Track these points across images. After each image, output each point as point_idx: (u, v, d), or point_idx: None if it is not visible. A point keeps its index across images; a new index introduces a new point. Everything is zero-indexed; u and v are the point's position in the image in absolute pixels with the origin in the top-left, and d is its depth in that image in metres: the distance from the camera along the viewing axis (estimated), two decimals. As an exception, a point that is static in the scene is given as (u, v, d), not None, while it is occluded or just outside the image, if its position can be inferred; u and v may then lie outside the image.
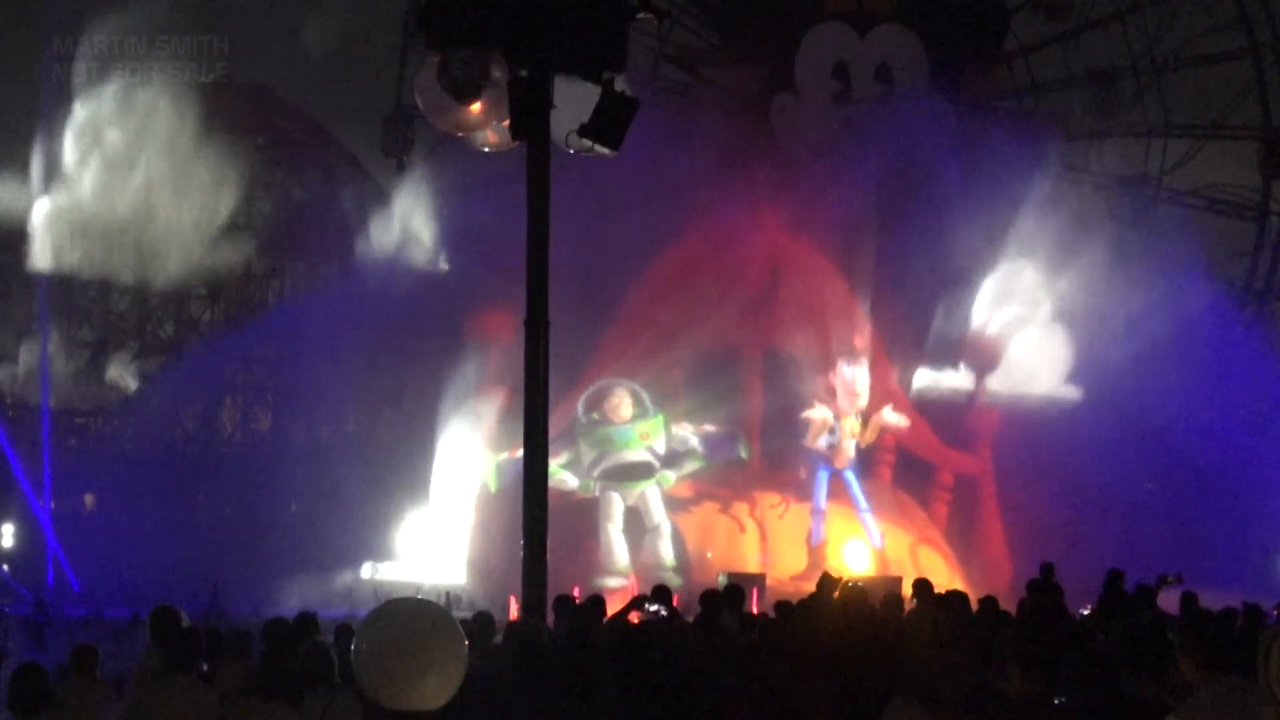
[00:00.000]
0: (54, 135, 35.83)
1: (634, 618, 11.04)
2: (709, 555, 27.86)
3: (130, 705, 8.57)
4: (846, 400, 28.56)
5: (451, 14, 11.39)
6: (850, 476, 28.51)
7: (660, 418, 28.88)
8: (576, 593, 15.77)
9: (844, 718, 8.77)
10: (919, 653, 9.45)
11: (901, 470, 30.32)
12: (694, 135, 30.64)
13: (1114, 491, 28.96)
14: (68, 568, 30.26)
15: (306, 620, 10.27)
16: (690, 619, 11.97)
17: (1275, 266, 36.00)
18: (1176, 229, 34.63)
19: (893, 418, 28.91)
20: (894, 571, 25.27)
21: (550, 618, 11.57)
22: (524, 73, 11.26)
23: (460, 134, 12.46)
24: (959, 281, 29.91)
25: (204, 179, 42.81)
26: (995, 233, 29.40)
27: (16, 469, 33.17)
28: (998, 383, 29.75)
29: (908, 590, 14.04)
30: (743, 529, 28.54)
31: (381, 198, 36.82)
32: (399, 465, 31.38)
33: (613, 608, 12.25)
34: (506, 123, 11.47)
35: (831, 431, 28.56)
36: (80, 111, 35.20)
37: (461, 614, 15.63)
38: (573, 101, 11.24)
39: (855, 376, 28.55)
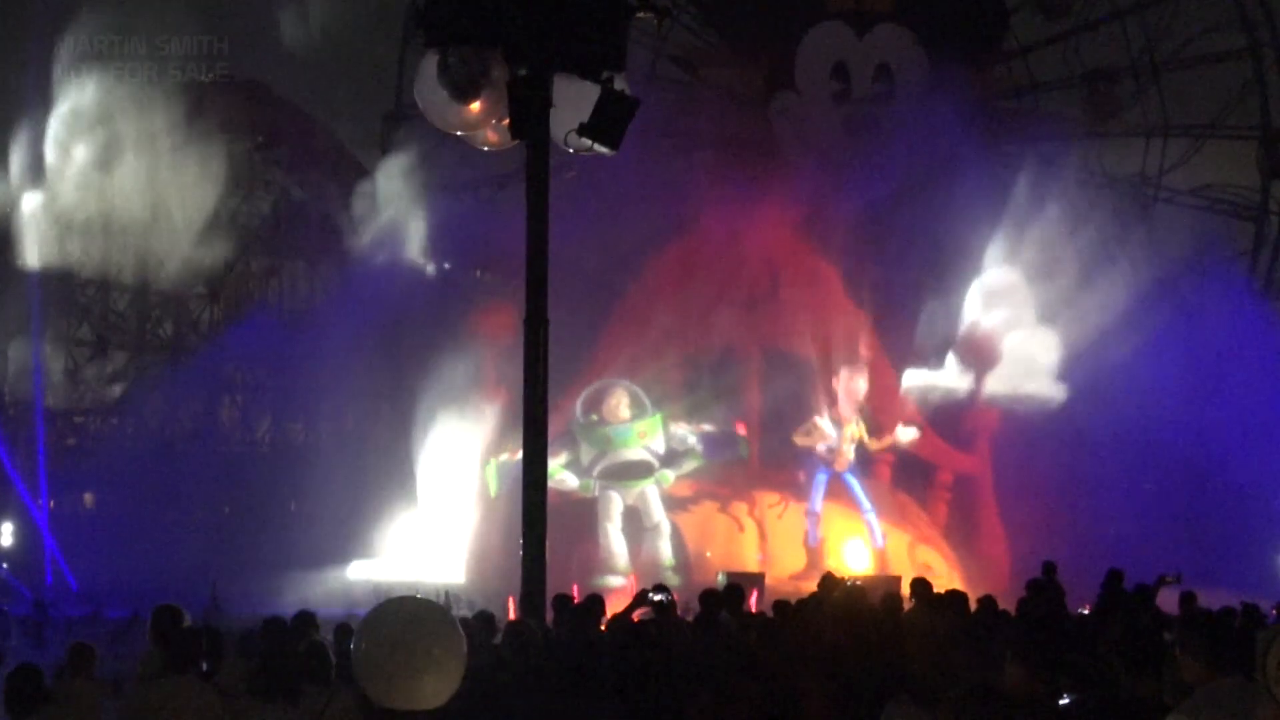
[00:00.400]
0: (45, 132, 35.76)
1: (638, 616, 11.03)
2: (708, 555, 27.86)
3: (130, 704, 8.56)
4: (848, 405, 28.56)
5: (451, 13, 11.39)
6: (850, 479, 28.50)
7: (658, 417, 28.87)
8: (576, 592, 15.77)
9: (843, 717, 8.76)
10: (918, 652, 9.46)
11: (901, 470, 30.32)
12: (693, 135, 30.66)
13: (1113, 491, 28.96)
14: (65, 567, 30.24)
15: (304, 619, 10.27)
16: (690, 618, 11.96)
17: (1274, 266, 36.01)
18: (1175, 228, 34.66)
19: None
20: (893, 571, 25.27)
21: (549, 617, 11.57)
22: (523, 72, 11.26)
23: (460, 133, 12.46)
24: (957, 281, 29.89)
25: (202, 177, 42.86)
26: (993, 232, 29.38)
27: (10, 468, 33.11)
28: (996, 382, 29.74)
29: (906, 590, 14.03)
30: (742, 528, 28.55)
31: (380, 196, 36.80)
32: (398, 464, 31.36)
33: (612, 607, 12.25)
34: (506, 122, 11.47)
35: (829, 435, 28.58)
36: (77, 108, 35.15)
37: (460, 613, 15.62)
38: (572, 101, 11.24)
39: (856, 382, 28.53)
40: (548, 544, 12.02)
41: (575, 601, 12.11)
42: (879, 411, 29.83)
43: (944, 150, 30.55)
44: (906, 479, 30.31)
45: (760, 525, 28.61)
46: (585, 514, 28.00)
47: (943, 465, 30.08)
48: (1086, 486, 28.40)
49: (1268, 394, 29.40)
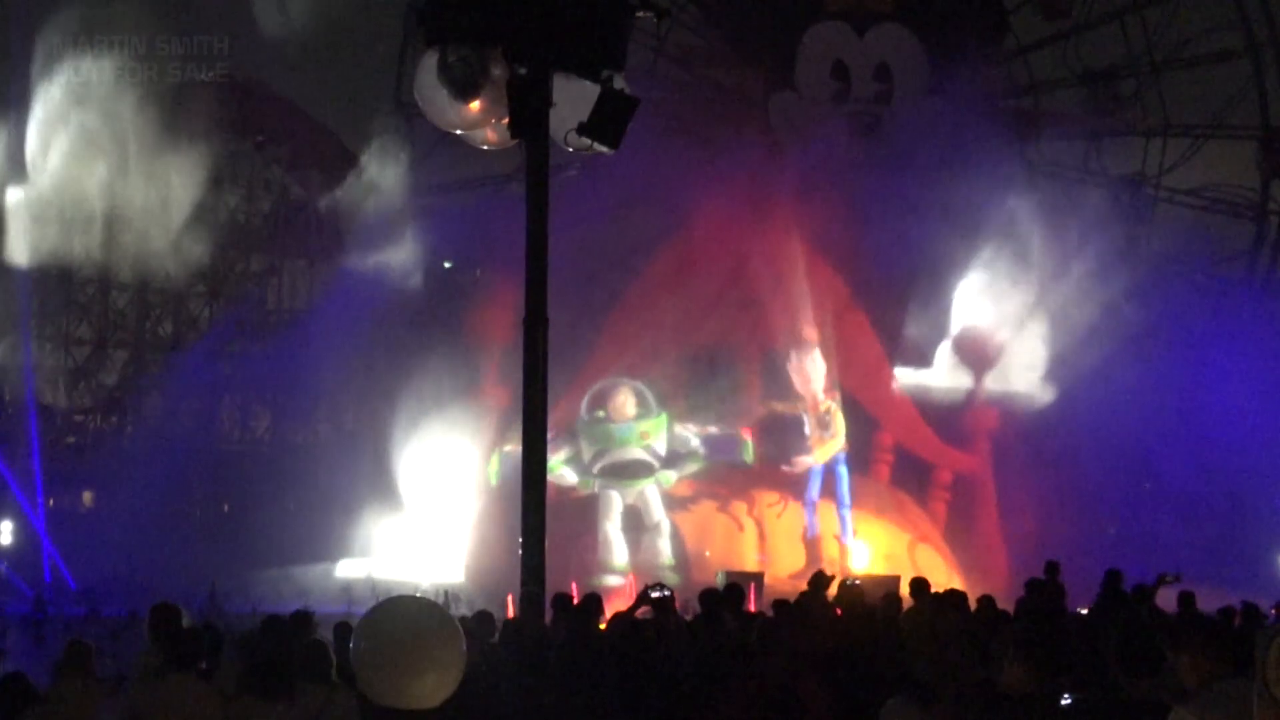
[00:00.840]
0: (40, 129, 35.73)
1: (640, 614, 11.04)
2: (707, 554, 27.85)
3: (130, 703, 8.56)
4: (805, 389, 28.54)
5: (451, 11, 11.38)
6: (842, 471, 28.50)
7: (663, 417, 28.86)
8: (575, 590, 15.77)
9: (842, 716, 8.77)
10: (917, 651, 9.46)
11: (900, 469, 30.33)
12: (693, 133, 30.67)
13: (1112, 491, 28.97)
14: (63, 566, 30.23)
15: (303, 618, 10.27)
16: (689, 617, 11.96)
17: (1273, 265, 36.03)
18: (1175, 228, 34.67)
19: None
20: (892, 570, 25.26)
21: (548, 616, 11.56)
22: (523, 71, 11.25)
23: (459, 132, 12.45)
24: (951, 280, 29.88)
25: (201, 176, 42.84)
26: (990, 231, 29.38)
27: (6, 467, 33.06)
28: (995, 382, 29.75)
29: (905, 589, 14.03)
30: (741, 527, 28.54)
31: (380, 196, 36.81)
32: (397, 463, 31.36)
33: (611, 607, 12.24)
34: (505, 120, 11.46)
35: (805, 423, 28.62)
36: (73, 106, 35.13)
37: (459, 612, 15.60)
38: (572, 100, 11.23)
39: (806, 366, 28.48)
40: (547, 543, 12.01)
41: (574, 601, 12.11)
42: (876, 409, 29.83)
43: (942, 149, 30.54)
44: (905, 478, 30.32)
45: (759, 524, 28.59)
46: (585, 513, 28.00)
47: (942, 464, 30.07)
48: (1086, 486, 28.42)
49: (1267, 394, 29.41)
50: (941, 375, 29.83)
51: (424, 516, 30.78)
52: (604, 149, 11.46)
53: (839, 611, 11.88)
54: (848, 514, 28.30)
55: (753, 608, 17.08)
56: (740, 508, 28.85)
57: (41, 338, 44.58)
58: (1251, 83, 35.76)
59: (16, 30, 34.69)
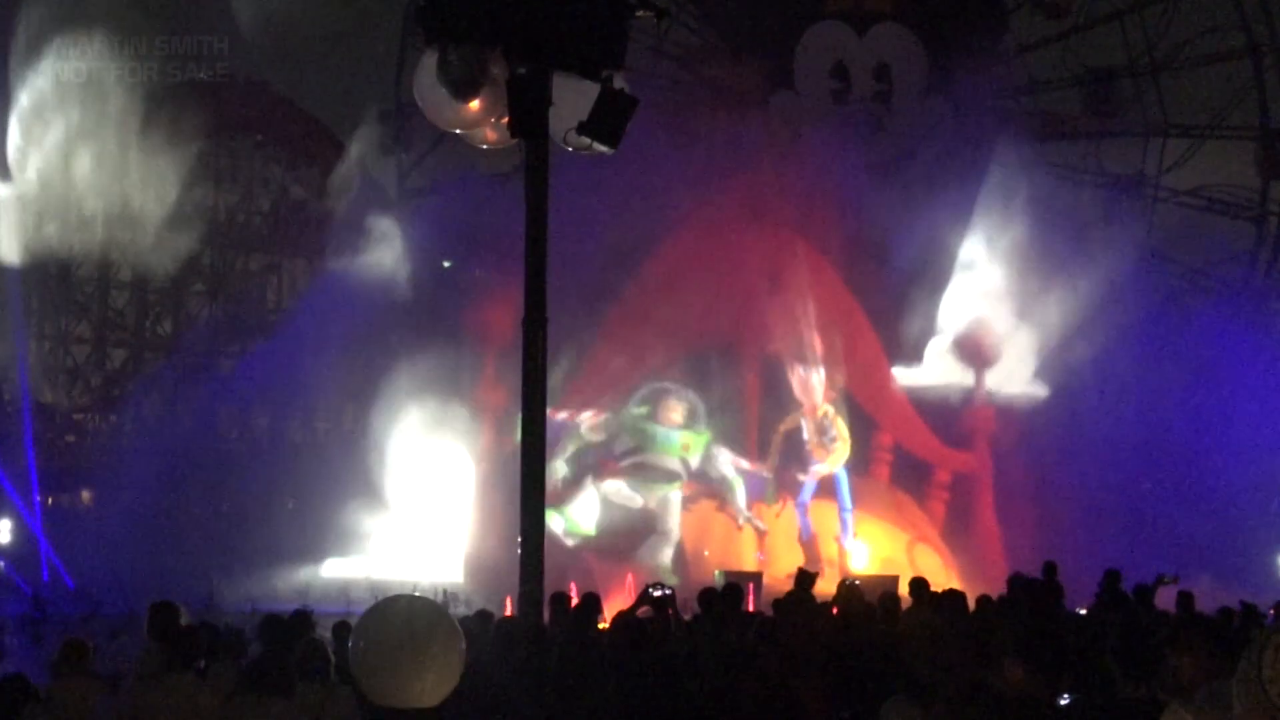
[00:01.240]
0: (36, 126, 35.71)
1: (641, 613, 11.04)
2: (706, 554, 27.85)
3: (128, 702, 8.55)
4: (806, 396, 28.57)
5: (450, 11, 11.38)
6: (841, 475, 28.52)
7: (706, 436, 28.89)
8: (574, 590, 15.77)
9: (841, 715, 8.77)
10: (916, 651, 9.45)
11: (898, 469, 30.30)
12: (693, 133, 30.64)
13: (1111, 491, 28.95)
14: (61, 566, 30.21)
15: (302, 617, 10.26)
16: (687, 617, 11.96)
17: (1273, 266, 36.03)
18: (1174, 228, 34.67)
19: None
20: (890, 570, 25.25)
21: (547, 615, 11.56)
22: (523, 70, 11.25)
23: (459, 131, 12.45)
24: (947, 279, 29.86)
25: (201, 174, 42.82)
26: (990, 230, 29.37)
27: (1, 466, 33.02)
28: (994, 381, 29.73)
29: (904, 589, 14.03)
30: (740, 528, 28.53)
31: (380, 195, 36.84)
32: (397, 462, 31.35)
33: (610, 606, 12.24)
34: (505, 120, 11.47)
35: (804, 429, 28.63)
36: (70, 105, 35.11)
37: (457, 611, 15.58)
38: (571, 99, 11.24)
39: (809, 377, 28.51)
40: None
41: (571, 601, 12.10)
42: (874, 409, 29.80)
43: (941, 148, 30.56)
44: (904, 478, 30.29)
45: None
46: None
47: (940, 465, 30.06)
48: (1085, 486, 28.38)
49: (1266, 393, 29.41)
50: (939, 374, 29.82)
51: (422, 515, 30.77)
52: (603, 148, 11.47)
53: (836, 610, 11.88)
54: (849, 517, 28.30)
55: (751, 608, 17.08)
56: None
57: (40, 336, 44.62)
58: (1251, 83, 35.75)
59: (7, 27, 34.68)
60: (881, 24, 34.97)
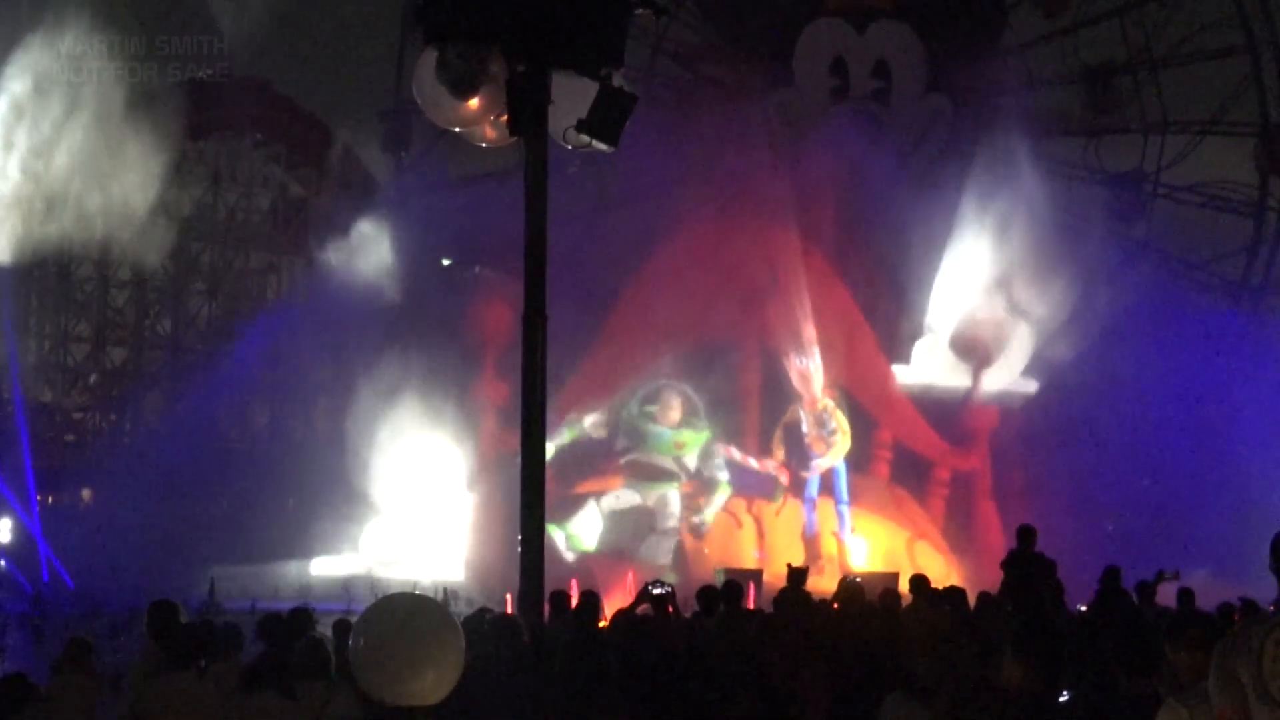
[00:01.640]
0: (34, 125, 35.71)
1: (642, 610, 11.04)
2: (706, 551, 27.86)
3: (129, 701, 8.56)
4: (805, 389, 28.55)
5: (449, 9, 11.37)
6: (840, 468, 28.51)
7: (705, 435, 28.89)
8: (574, 588, 15.76)
9: (841, 712, 8.78)
10: (916, 648, 9.46)
11: (898, 467, 30.30)
12: (692, 131, 30.61)
13: (1111, 488, 28.96)
14: (59, 565, 30.20)
15: (302, 615, 10.26)
16: (688, 615, 11.97)
17: (1272, 262, 36.03)
18: (1173, 224, 34.66)
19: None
20: (891, 567, 25.27)
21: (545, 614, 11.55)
22: (522, 68, 11.25)
23: (458, 129, 12.45)
24: (951, 276, 29.85)
25: (200, 173, 42.82)
26: (988, 227, 29.35)
27: None
28: (993, 378, 29.73)
29: (905, 586, 14.04)
30: (740, 525, 28.54)
31: (379, 193, 36.84)
32: (396, 460, 31.35)
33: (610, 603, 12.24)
34: (504, 118, 11.46)
35: (804, 422, 28.60)
36: (68, 103, 35.12)
37: (458, 610, 15.59)
38: (571, 97, 11.23)
39: (806, 368, 28.49)
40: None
41: (571, 600, 12.11)
42: (874, 406, 29.80)
43: (940, 146, 30.55)
44: (904, 475, 30.30)
45: (758, 522, 28.60)
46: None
47: (940, 462, 30.06)
48: (1085, 484, 28.38)
49: (1266, 390, 29.40)
50: (935, 373, 29.81)
51: (422, 513, 30.78)
52: (603, 146, 11.46)
53: (836, 607, 11.89)
54: (846, 510, 28.32)
55: (752, 605, 17.08)
56: (739, 505, 28.85)
57: (40, 335, 44.64)
58: (1250, 79, 35.75)
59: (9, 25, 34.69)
60: (881, 21, 34.94)
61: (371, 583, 26.83)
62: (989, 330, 29.46)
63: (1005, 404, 29.59)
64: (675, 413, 28.90)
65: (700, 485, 28.79)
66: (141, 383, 43.33)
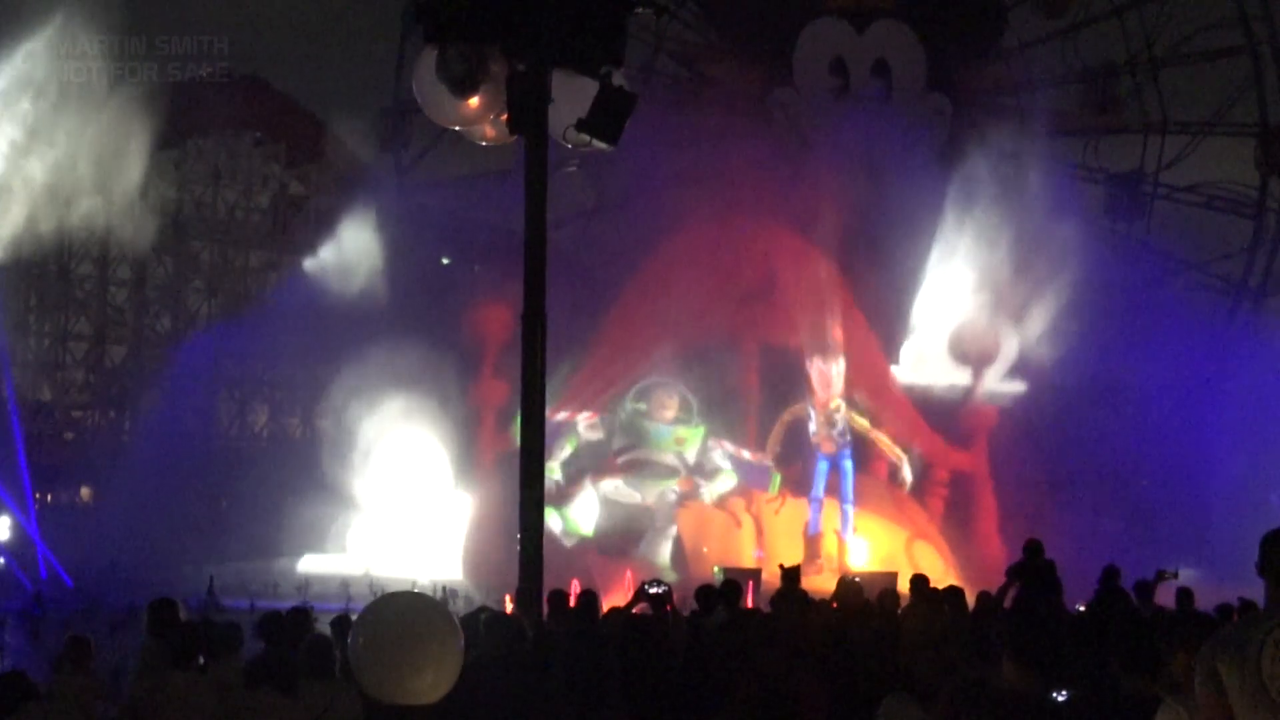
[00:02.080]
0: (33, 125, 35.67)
1: (639, 610, 11.03)
2: (705, 550, 27.84)
3: (129, 699, 8.56)
4: (823, 391, 28.55)
5: (449, 8, 11.38)
6: (847, 467, 28.50)
7: (701, 430, 28.97)
8: (574, 587, 15.76)
9: (840, 712, 8.77)
10: (915, 648, 9.46)
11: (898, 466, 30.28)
12: (692, 130, 30.63)
13: (1111, 488, 28.96)
14: (57, 564, 30.19)
15: (302, 614, 10.26)
16: (686, 614, 11.97)
17: (1272, 263, 36.03)
18: (1173, 225, 34.66)
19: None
20: (890, 567, 25.26)
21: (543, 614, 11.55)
22: (522, 67, 11.25)
23: (458, 128, 12.45)
24: (949, 276, 29.85)
25: (200, 172, 42.80)
26: (987, 226, 29.35)
27: None
28: (991, 379, 29.74)
29: (904, 585, 14.04)
30: (739, 524, 28.53)
31: (379, 192, 36.80)
32: (395, 459, 31.35)
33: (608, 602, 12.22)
34: (504, 117, 11.47)
35: (811, 420, 28.59)
36: (67, 101, 35.08)
37: (456, 608, 15.58)
38: (571, 96, 11.24)
39: (829, 369, 28.51)
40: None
41: (570, 599, 12.10)
42: (874, 403, 29.81)
43: (939, 146, 30.53)
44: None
45: (757, 521, 28.58)
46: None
47: (939, 462, 30.06)
48: (1084, 483, 28.41)
49: (1264, 391, 29.41)
50: (928, 372, 29.80)
51: (418, 512, 30.79)
52: (603, 145, 11.47)
53: (835, 606, 11.89)
54: (850, 510, 28.32)
55: (751, 604, 17.08)
56: (738, 504, 28.85)
57: (39, 333, 44.62)
58: (1250, 80, 35.75)
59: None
60: (881, 20, 34.97)
61: (370, 581, 26.83)
62: (987, 332, 29.46)
63: (1014, 405, 29.57)
64: (670, 410, 28.94)
65: (701, 478, 28.84)
66: (141, 381, 43.28)
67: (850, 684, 9.21)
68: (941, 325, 29.73)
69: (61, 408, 44.83)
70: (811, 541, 28.00)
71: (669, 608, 11.23)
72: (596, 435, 28.81)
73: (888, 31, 34.97)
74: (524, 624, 9.79)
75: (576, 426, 28.56)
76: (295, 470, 33.74)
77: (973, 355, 29.58)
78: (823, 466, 28.43)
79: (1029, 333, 29.29)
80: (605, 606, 11.80)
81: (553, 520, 26.49)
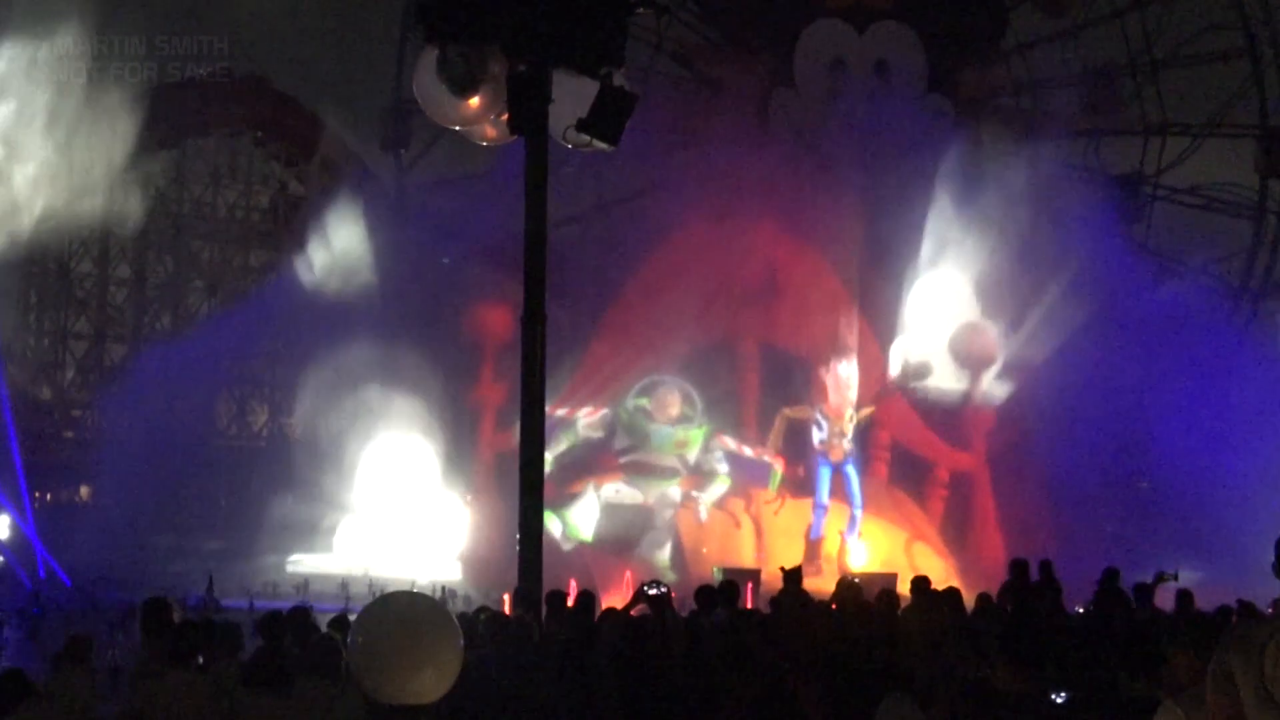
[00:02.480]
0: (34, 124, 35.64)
1: (636, 611, 11.03)
2: (704, 551, 27.85)
3: (128, 698, 8.56)
4: (837, 396, 28.52)
5: (450, 8, 11.39)
6: (851, 472, 28.49)
7: (704, 430, 28.95)
8: (573, 587, 15.76)
9: (839, 712, 8.76)
10: (914, 649, 9.46)
11: (898, 467, 30.29)
12: (692, 130, 30.62)
13: (1111, 489, 28.94)
14: (55, 564, 30.17)
15: (301, 613, 10.26)
16: (685, 614, 11.96)
17: (1272, 265, 36.02)
18: (1173, 226, 34.65)
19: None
20: (889, 568, 25.26)
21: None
22: (522, 67, 11.26)
23: (459, 128, 12.46)
24: (948, 276, 29.82)
25: (200, 171, 42.76)
26: (987, 227, 29.33)
27: None
28: (990, 380, 29.71)
29: (903, 587, 14.04)
30: (738, 524, 28.52)
31: (379, 191, 36.79)
32: (395, 459, 31.32)
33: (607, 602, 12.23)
34: (505, 117, 11.47)
35: (820, 427, 28.52)
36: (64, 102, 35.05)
37: (455, 608, 15.57)
38: (571, 96, 11.24)
39: (845, 373, 28.49)
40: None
41: (568, 599, 12.11)
42: (872, 402, 29.80)
43: (939, 146, 30.48)
44: (903, 476, 30.28)
45: (757, 521, 28.58)
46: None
47: (939, 463, 30.05)
48: (1083, 485, 28.37)
49: (1263, 392, 29.39)
50: (953, 374, 29.77)
51: (417, 512, 30.77)
52: (603, 145, 11.47)
53: (834, 607, 11.88)
54: (859, 514, 28.28)
55: (750, 605, 17.08)
56: (738, 505, 28.85)
57: (39, 332, 44.62)
58: (1250, 81, 35.75)
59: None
60: (881, 21, 34.94)
61: (370, 581, 26.82)
62: (986, 333, 29.45)
63: (1013, 406, 29.54)
64: (673, 409, 28.93)
65: (700, 478, 28.85)
66: (140, 380, 43.25)
67: (848, 685, 9.20)
68: (941, 326, 29.69)
69: (61, 407, 44.82)
70: (812, 543, 27.99)
71: (668, 609, 11.22)
72: (596, 433, 28.81)
73: (888, 32, 34.94)
74: (528, 624, 9.79)
75: (576, 424, 28.55)
76: (294, 470, 33.71)
77: (972, 357, 29.55)
78: (825, 472, 28.40)
79: (1028, 334, 29.27)
80: (604, 607, 11.81)
81: (553, 524, 26.48)
